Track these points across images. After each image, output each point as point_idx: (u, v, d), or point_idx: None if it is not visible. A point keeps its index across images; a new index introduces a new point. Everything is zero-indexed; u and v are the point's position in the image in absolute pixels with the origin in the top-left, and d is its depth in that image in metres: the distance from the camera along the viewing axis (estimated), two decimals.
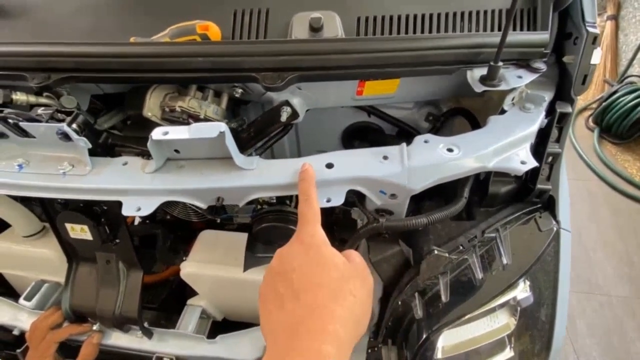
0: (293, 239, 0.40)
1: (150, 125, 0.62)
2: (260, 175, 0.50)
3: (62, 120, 0.53)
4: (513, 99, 0.60)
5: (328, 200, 0.48)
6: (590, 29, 0.57)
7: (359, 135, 0.90)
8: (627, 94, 2.31)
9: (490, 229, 0.63)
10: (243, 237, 0.68)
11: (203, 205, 0.51)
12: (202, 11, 0.59)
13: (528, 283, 0.65)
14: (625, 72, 2.61)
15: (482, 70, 0.56)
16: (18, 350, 0.71)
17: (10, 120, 0.52)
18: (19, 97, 0.57)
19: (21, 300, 0.74)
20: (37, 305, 0.75)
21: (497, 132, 0.54)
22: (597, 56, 0.59)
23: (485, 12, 0.60)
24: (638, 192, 2.05)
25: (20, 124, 0.51)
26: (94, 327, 0.70)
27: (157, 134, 0.46)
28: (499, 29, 0.58)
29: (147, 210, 0.48)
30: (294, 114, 0.67)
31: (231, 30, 0.58)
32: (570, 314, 1.51)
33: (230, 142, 0.48)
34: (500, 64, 0.53)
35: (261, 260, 0.60)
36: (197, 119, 0.63)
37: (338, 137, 0.92)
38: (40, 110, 0.53)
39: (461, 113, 0.78)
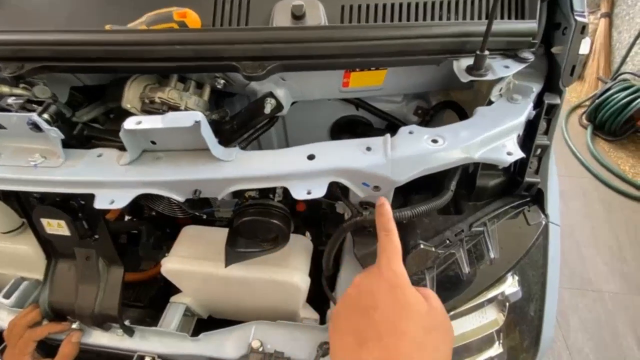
0: (374, 271, 0.40)
1: None
2: (239, 167, 0.48)
3: (34, 111, 0.51)
4: (500, 90, 0.59)
5: (308, 193, 0.47)
6: (579, 18, 0.56)
7: (348, 129, 0.89)
8: (621, 91, 2.32)
9: (477, 223, 0.62)
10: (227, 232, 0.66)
11: (180, 198, 0.49)
12: None
13: (517, 278, 0.64)
14: (619, 70, 2.61)
15: (469, 61, 0.55)
16: None
17: None
18: None
19: None
20: (16, 303, 0.73)
21: (484, 123, 0.52)
22: (585, 46, 0.58)
23: (473, 1, 0.59)
24: (631, 189, 2.06)
25: None
26: (74, 326, 0.68)
27: (129, 123, 0.45)
28: (487, 18, 0.57)
29: (120, 204, 0.47)
30: (279, 106, 0.65)
31: (211, 17, 0.56)
32: (563, 310, 1.51)
33: (207, 133, 0.46)
34: (487, 53, 0.52)
35: (243, 256, 0.58)
36: (177, 110, 0.61)
37: (327, 130, 0.91)
38: (10, 100, 0.51)
39: (450, 106, 0.77)
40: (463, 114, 0.75)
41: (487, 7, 0.58)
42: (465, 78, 0.54)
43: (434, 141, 0.50)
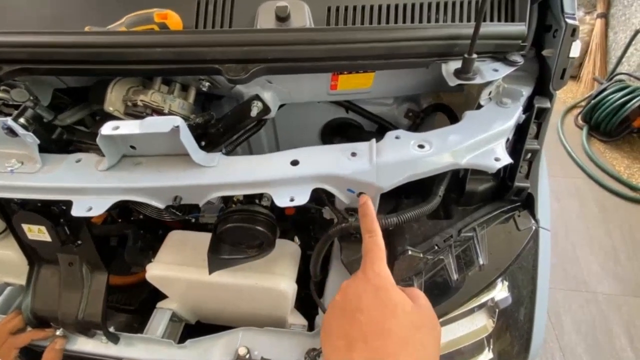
0: (359, 275, 0.40)
1: None
2: (222, 173, 0.47)
3: (10, 115, 0.49)
4: (490, 94, 0.58)
5: (291, 200, 0.45)
6: (569, 21, 0.55)
7: (338, 131, 0.87)
8: (616, 92, 2.32)
9: (467, 228, 0.61)
10: None
11: (160, 205, 0.48)
12: None
13: (506, 283, 0.63)
14: (615, 70, 2.62)
15: (458, 64, 0.54)
16: None
17: None
18: None
19: None
20: None
21: (472, 127, 0.52)
22: (576, 49, 0.57)
23: (462, 3, 0.58)
24: (625, 190, 2.06)
25: None
26: (57, 332, 0.67)
27: (106, 129, 0.43)
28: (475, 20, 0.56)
29: (98, 210, 0.45)
30: (266, 109, 0.64)
31: (194, 19, 0.55)
32: (557, 311, 1.51)
33: (187, 138, 0.45)
34: (475, 56, 0.51)
35: (227, 263, 0.57)
36: (161, 113, 0.60)
37: (318, 132, 0.89)
38: None
39: (441, 109, 0.76)
40: (454, 117, 0.74)
41: (476, 9, 0.57)
42: (453, 82, 0.53)
43: (421, 146, 0.49)
